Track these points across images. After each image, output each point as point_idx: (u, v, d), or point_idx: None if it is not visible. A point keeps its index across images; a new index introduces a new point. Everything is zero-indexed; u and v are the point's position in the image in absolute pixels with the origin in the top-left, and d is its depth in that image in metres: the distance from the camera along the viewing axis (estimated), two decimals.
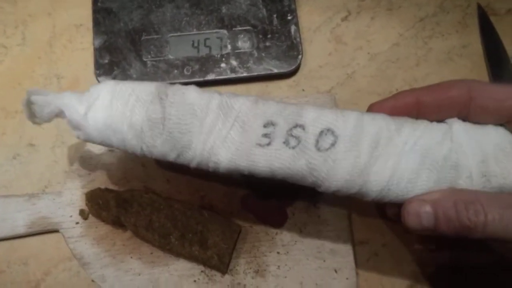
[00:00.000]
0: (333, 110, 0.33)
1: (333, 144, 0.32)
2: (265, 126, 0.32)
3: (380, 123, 0.32)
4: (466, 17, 0.51)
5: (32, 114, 0.35)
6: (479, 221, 0.28)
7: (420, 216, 0.30)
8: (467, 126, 0.33)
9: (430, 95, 0.33)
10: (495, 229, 0.28)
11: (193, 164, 0.34)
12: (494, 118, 0.32)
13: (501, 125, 0.33)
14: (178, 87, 0.34)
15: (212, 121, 0.33)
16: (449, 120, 0.33)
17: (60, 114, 0.35)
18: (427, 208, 0.30)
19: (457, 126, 0.32)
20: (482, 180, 0.31)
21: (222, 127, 0.33)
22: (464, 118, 0.33)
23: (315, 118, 0.32)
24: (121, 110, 0.33)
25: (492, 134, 0.32)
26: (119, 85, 0.34)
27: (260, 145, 0.32)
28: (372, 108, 0.35)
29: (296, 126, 0.32)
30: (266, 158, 0.32)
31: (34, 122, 0.36)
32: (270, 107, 0.33)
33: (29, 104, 0.35)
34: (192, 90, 0.34)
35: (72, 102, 0.34)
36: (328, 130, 0.32)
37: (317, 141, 0.32)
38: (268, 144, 0.32)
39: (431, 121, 0.34)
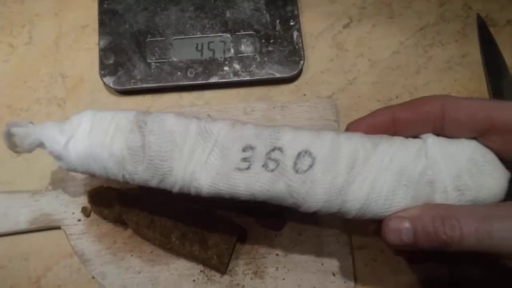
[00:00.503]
0: (309, 131, 0.34)
1: (311, 166, 0.32)
2: (243, 150, 0.33)
3: (356, 142, 0.33)
4: (466, 27, 0.52)
5: (13, 144, 0.36)
6: (456, 235, 0.29)
7: (400, 232, 0.31)
8: (441, 141, 0.33)
9: (405, 111, 0.34)
10: (470, 243, 0.29)
11: (175, 190, 0.34)
12: (468, 131, 0.33)
13: (474, 138, 0.34)
14: (157, 114, 0.34)
15: (192, 146, 0.33)
16: (424, 136, 0.34)
17: (41, 145, 0.35)
18: (406, 225, 0.31)
19: (431, 142, 0.33)
20: (457, 194, 0.32)
21: (202, 152, 0.33)
22: (439, 133, 0.34)
23: (292, 140, 0.33)
24: (101, 139, 0.34)
25: (466, 149, 0.33)
26: (99, 114, 0.35)
27: (239, 169, 0.33)
28: (350, 127, 0.36)
29: (274, 149, 0.33)
30: (246, 181, 0.33)
31: (16, 152, 0.36)
32: (248, 131, 0.33)
33: (9, 136, 0.35)
34: (171, 117, 0.34)
35: (53, 133, 0.34)
36: (306, 152, 0.32)
37: (295, 163, 0.32)
38: (248, 168, 0.33)
39: (408, 137, 0.34)
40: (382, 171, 0.32)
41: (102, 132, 0.34)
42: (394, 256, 0.44)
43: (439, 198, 0.32)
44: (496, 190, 0.32)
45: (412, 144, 0.33)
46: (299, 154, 0.32)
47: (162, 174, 0.33)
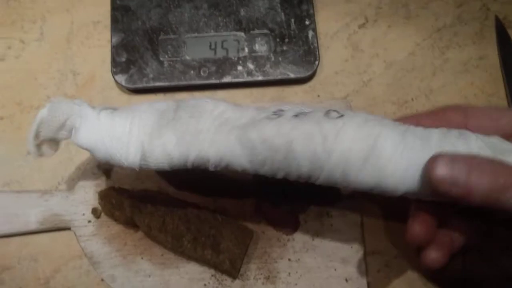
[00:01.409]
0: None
1: (341, 116, 0.32)
2: (274, 113, 0.34)
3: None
4: (484, 29, 0.51)
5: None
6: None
7: (452, 163, 0.28)
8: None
9: (429, 119, 0.34)
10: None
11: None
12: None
13: None
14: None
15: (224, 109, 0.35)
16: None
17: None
18: (460, 158, 0.29)
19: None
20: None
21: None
22: None
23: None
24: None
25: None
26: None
27: (269, 118, 0.33)
28: None
29: (302, 112, 0.33)
30: (277, 128, 0.32)
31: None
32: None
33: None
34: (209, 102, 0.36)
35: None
36: (334, 111, 0.33)
37: (327, 113, 0.32)
38: (279, 116, 0.33)
39: None
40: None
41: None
42: (407, 263, 0.43)
43: None
44: None
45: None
46: (328, 111, 0.33)
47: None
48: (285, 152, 0.32)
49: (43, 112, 0.34)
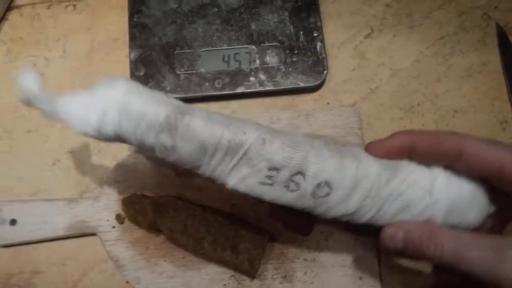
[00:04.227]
0: (334, 159, 0.35)
1: (327, 194, 0.35)
2: (269, 169, 0.34)
3: (373, 178, 0.35)
4: (486, 36, 0.53)
5: (29, 104, 0.35)
6: (437, 252, 0.33)
7: (394, 239, 0.35)
8: (448, 181, 0.36)
9: (424, 145, 0.36)
10: (448, 261, 0.33)
11: (203, 176, 0.36)
12: (479, 174, 0.35)
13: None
14: (188, 120, 0.34)
15: (221, 156, 0.34)
16: (435, 171, 0.36)
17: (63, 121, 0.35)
18: (400, 234, 0.35)
19: (439, 184, 0.36)
20: (442, 221, 0.36)
21: (229, 160, 0.34)
22: (451, 166, 0.36)
23: (317, 171, 0.34)
24: (132, 131, 0.34)
25: (469, 188, 0.36)
26: (126, 105, 0.34)
27: (263, 183, 0.35)
28: (369, 149, 0.37)
29: (297, 173, 0.34)
30: (269, 193, 0.35)
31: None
32: (277, 154, 0.34)
33: (30, 104, 0.35)
34: (201, 125, 0.34)
35: (81, 113, 0.34)
36: (326, 183, 0.34)
37: (314, 191, 0.35)
38: (271, 184, 0.35)
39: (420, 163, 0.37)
40: (388, 202, 0.35)
41: (132, 127, 0.34)
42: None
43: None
44: (474, 222, 0.36)
45: (421, 182, 0.36)
46: (319, 184, 0.34)
47: (189, 167, 0.35)
48: None
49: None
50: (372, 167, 0.35)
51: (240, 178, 0.35)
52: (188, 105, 0.35)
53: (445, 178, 0.36)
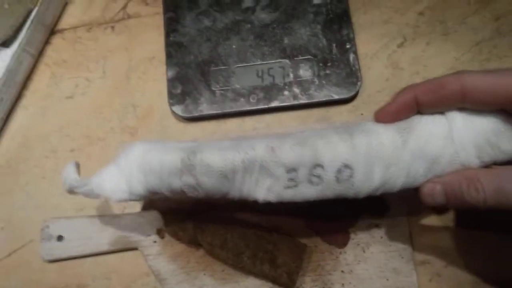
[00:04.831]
0: (344, 142, 0.36)
1: (351, 176, 0.36)
2: (287, 172, 0.36)
3: (387, 145, 0.36)
4: None
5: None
6: (480, 197, 0.33)
7: (434, 195, 0.35)
8: (466, 120, 0.35)
9: (426, 95, 0.36)
10: (494, 202, 0.32)
11: (235, 200, 0.39)
12: (490, 107, 0.35)
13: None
14: (201, 157, 0.37)
15: (241, 176, 0.37)
16: (449, 115, 0.36)
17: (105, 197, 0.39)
18: (439, 188, 0.35)
19: (457, 125, 0.35)
20: (478, 161, 0.35)
21: (250, 178, 0.37)
22: (463, 107, 0.36)
23: (331, 159, 0.36)
24: (158, 183, 0.38)
25: (488, 120, 0.35)
26: (145, 161, 0.38)
27: (288, 187, 0.36)
28: (377, 118, 0.38)
29: (315, 166, 0.36)
30: (297, 194, 0.37)
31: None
32: (288, 157, 0.36)
33: (73, 193, 0.40)
34: (216, 157, 0.37)
35: (112, 186, 0.38)
36: (345, 166, 0.36)
37: (337, 177, 0.36)
38: (295, 186, 0.36)
39: (432, 113, 0.37)
40: (414, 161, 0.36)
41: (157, 178, 0.37)
42: (458, 271, 0.45)
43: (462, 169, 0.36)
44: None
45: (438, 132, 0.36)
46: (339, 170, 0.36)
47: (220, 196, 0.38)
48: None
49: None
50: (384, 135, 0.36)
51: (266, 190, 0.37)
52: (197, 143, 0.39)
53: (461, 119, 0.35)
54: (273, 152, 0.36)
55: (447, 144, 0.35)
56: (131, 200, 0.39)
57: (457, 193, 0.34)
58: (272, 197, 0.37)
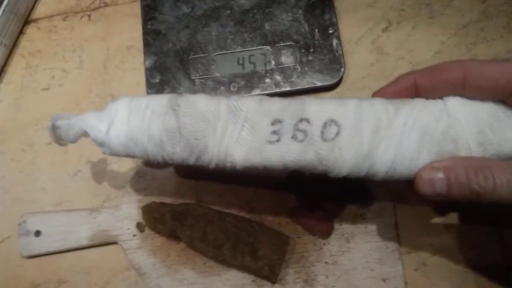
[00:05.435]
0: (334, 99, 0.35)
1: (337, 134, 0.34)
2: (272, 124, 0.34)
3: (378, 107, 0.34)
4: (511, 22, 0.51)
5: (58, 137, 0.38)
6: (488, 186, 0.30)
7: (433, 182, 0.32)
8: (463, 100, 0.34)
9: (426, 78, 0.35)
10: (502, 194, 0.30)
11: (211, 166, 0.36)
12: (490, 96, 0.33)
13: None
14: (189, 96, 0.36)
15: (224, 124, 0.35)
16: (445, 98, 0.35)
17: (84, 134, 0.38)
18: (440, 175, 0.32)
19: (452, 101, 0.34)
20: (480, 149, 0.33)
21: (234, 128, 0.35)
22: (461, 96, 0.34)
23: (318, 111, 0.34)
24: (139, 124, 0.36)
25: (487, 105, 0.34)
26: (134, 101, 0.37)
27: (270, 142, 0.34)
28: (375, 95, 0.37)
29: (301, 120, 0.34)
30: (277, 153, 0.34)
31: (61, 144, 0.39)
32: (275, 105, 0.35)
33: (54, 128, 0.38)
34: (202, 98, 0.36)
35: (94, 122, 0.37)
36: (331, 121, 0.34)
37: (323, 133, 0.34)
38: (278, 140, 0.34)
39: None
40: (406, 133, 0.33)
41: (140, 118, 0.36)
42: (444, 260, 0.44)
43: (463, 154, 0.33)
44: None
45: (433, 105, 0.34)
46: (325, 124, 0.34)
47: (198, 152, 0.36)
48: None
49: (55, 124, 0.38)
50: (377, 100, 0.35)
51: (247, 147, 0.35)
52: None
53: (459, 99, 0.34)
54: (261, 102, 0.35)
55: (442, 115, 0.33)
56: (103, 146, 0.37)
57: (462, 181, 0.31)
58: (251, 157, 0.35)
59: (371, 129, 0.33)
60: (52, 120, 0.38)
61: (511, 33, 0.50)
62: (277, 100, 0.36)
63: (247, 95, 0.36)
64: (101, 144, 0.37)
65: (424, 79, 0.35)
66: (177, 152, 0.36)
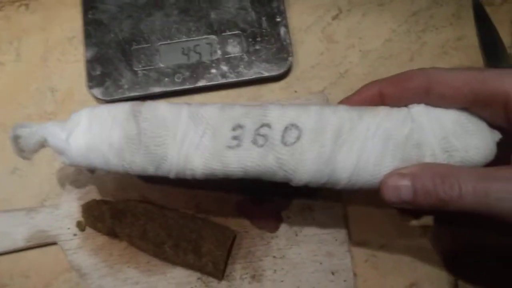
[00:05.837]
0: (296, 106, 0.34)
1: (298, 138, 0.33)
2: (233, 129, 0.34)
3: (341, 113, 0.33)
4: (461, 9, 0.50)
5: (20, 149, 0.37)
6: (454, 194, 0.29)
7: (398, 189, 0.31)
8: (427, 107, 0.34)
9: (391, 87, 0.35)
10: (468, 202, 0.29)
11: (171, 175, 0.35)
12: (453, 104, 0.33)
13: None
14: (150, 103, 0.36)
15: (184, 131, 0.34)
16: (410, 105, 0.34)
17: (45, 143, 0.36)
18: (406, 182, 0.31)
19: (417, 108, 0.34)
20: (445, 156, 0.32)
21: (194, 135, 0.34)
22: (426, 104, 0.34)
23: (279, 116, 0.34)
24: (100, 132, 0.35)
25: (451, 112, 0.33)
26: (96, 109, 0.36)
27: (230, 147, 0.34)
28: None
29: (262, 125, 0.34)
30: (237, 159, 0.33)
31: (24, 158, 0.38)
32: (236, 111, 0.34)
33: (16, 138, 0.36)
34: (163, 104, 0.35)
35: (55, 130, 0.36)
36: (292, 125, 0.33)
37: (283, 137, 0.33)
38: (238, 145, 0.34)
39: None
40: (368, 138, 0.33)
41: (101, 125, 0.35)
42: (394, 251, 0.43)
43: (428, 161, 0.32)
44: (485, 150, 0.33)
45: (398, 112, 0.34)
46: (286, 128, 0.33)
47: (158, 160, 0.34)
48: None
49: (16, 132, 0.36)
50: (340, 106, 0.34)
51: (207, 154, 0.34)
52: None
53: (423, 105, 0.34)
54: (222, 108, 0.35)
55: (406, 121, 0.33)
56: (63, 154, 0.36)
57: (429, 188, 0.30)
58: (211, 162, 0.34)
59: (333, 134, 0.33)
60: (13, 129, 0.36)
61: (460, 20, 0.50)
62: (239, 106, 0.35)
63: (206, 104, 0.35)
64: (60, 152, 0.36)
65: (388, 88, 0.35)
66: (137, 160, 0.35)
